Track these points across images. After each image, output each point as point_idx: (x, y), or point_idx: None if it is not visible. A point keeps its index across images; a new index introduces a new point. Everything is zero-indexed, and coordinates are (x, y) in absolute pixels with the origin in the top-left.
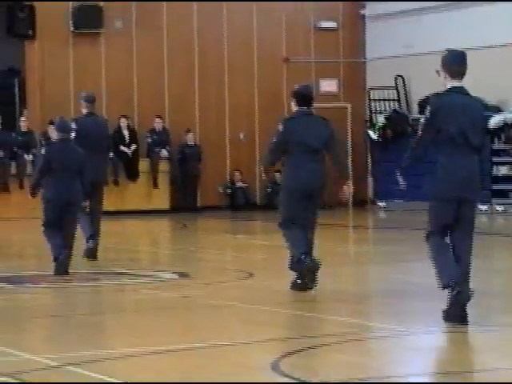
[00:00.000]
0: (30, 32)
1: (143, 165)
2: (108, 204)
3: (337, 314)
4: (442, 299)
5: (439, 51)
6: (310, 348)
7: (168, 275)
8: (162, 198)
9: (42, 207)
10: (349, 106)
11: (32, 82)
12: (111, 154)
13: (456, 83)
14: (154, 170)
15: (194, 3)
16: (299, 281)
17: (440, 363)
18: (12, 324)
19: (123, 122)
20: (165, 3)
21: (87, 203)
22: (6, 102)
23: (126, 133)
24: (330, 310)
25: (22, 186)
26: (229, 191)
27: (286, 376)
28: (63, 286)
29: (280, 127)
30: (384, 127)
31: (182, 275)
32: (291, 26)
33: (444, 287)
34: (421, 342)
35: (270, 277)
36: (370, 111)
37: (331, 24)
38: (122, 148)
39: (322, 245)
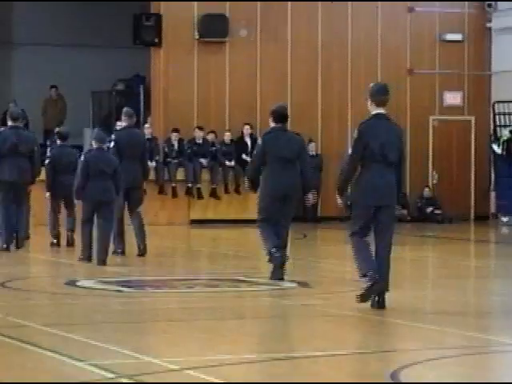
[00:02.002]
0: (156, 40)
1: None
2: (230, 212)
3: (457, 327)
4: None
5: None
6: (430, 360)
7: (287, 284)
8: None
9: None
10: (473, 118)
11: (156, 90)
12: (150, 163)
13: (380, 110)
14: None
15: (319, 14)
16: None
17: None
18: (133, 327)
19: (246, 130)
20: (289, 15)
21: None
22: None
23: (248, 141)
24: (450, 323)
25: (145, 192)
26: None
27: None
28: (184, 291)
29: (259, 141)
30: (508, 141)
31: (302, 284)
32: (416, 37)
33: (363, 276)
34: None
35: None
36: (495, 125)
37: (456, 36)
38: (244, 157)
39: (443, 258)
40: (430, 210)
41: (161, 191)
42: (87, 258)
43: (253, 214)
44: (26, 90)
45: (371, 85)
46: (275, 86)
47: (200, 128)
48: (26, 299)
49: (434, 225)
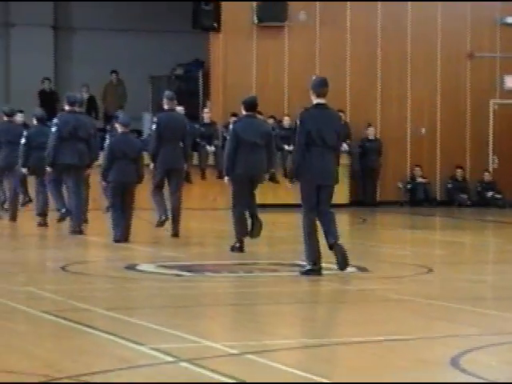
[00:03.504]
0: (215, 24)
1: None
2: (288, 197)
3: None
4: None
5: None
6: (491, 346)
7: (346, 269)
8: (341, 192)
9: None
10: None
11: (215, 74)
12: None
13: (320, 100)
14: None
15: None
16: (238, 245)
17: None
18: (193, 311)
19: None
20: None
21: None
22: (191, 93)
23: None
24: (510, 308)
25: (203, 177)
26: (409, 186)
27: (467, 373)
28: (242, 275)
29: (231, 127)
30: None
31: (361, 269)
32: (476, 20)
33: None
34: None
35: (449, 272)
36: None
37: None
38: None
39: (503, 243)
40: (490, 194)
41: (220, 176)
42: (116, 238)
43: None
44: (86, 75)
45: (313, 78)
46: (334, 70)
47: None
48: (87, 283)
49: (494, 209)
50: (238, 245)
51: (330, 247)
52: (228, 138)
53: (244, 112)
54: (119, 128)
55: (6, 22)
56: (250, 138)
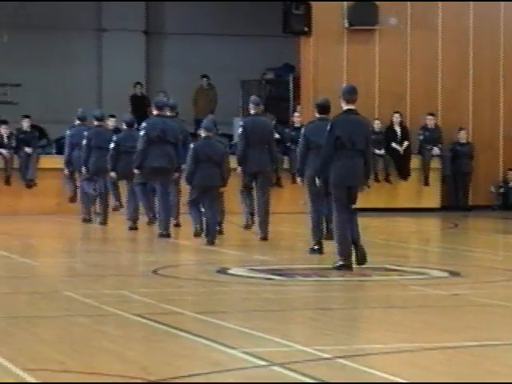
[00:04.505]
0: (306, 29)
1: (415, 162)
2: (379, 201)
3: None
4: None
5: None
6: None
7: (438, 273)
8: (432, 196)
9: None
10: None
11: (306, 78)
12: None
13: (349, 106)
14: (425, 168)
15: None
16: (316, 247)
17: None
18: (284, 315)
19: (396, 118)
20: (439, 2)
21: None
22: (281, 97)
23: (397, 129)
24: None
25: (294, 181)
26: (501, 190)
27: None
28: (334, 280)
29: (302, 130)
30: None
31: (452, 274)
32: None
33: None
34: None
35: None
36: None
37: None
38: (394, 145)
39: None
40: None
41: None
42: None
43: (402, 202)
44: (177, 79)
45: (343, 85)
46: (425, 73)
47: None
48: (179, 287)
49: None
50: (316, 247)
51: (354, 243)
52: (299, 140)
53: (317, 115)
54: (203, 133)
55: (99, 27)
56: (319, 140)
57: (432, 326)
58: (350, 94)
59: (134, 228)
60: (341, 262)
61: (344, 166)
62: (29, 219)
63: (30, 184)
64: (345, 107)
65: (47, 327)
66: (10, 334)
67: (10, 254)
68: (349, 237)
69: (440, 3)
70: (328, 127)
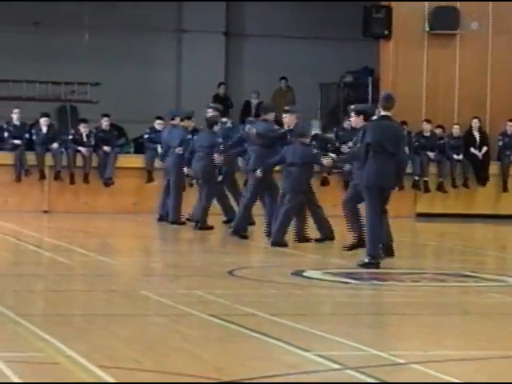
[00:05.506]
0: (386, 32)
1: (493, 168)
2: (457, 206)
3: None
4: None
5: None
6: None
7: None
8: (511, 203)
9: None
10: None
11: (385, 82)
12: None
13: (385, 113)
14: (504, 174)
15: None
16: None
17: None
18: (359, 319)
19: (475, 123)
20: None
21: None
22: (360, 100)
23: (476, 135)
24: None
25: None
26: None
27: None
28: (409, 285)
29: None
30: None
31: None
32: None
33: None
34: None
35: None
36: None
37: None
38: (473, 150)
39: None
40: None
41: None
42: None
43: (480, 208)
44: (256, 81)
45: (382, 93)
46: (506, 79)
47: (428, 121)
48: (254, 288)
49: None
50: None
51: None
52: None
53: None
54: (293, 138)
55: (179, 28)
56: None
57: (508, 333)
58: (387, 101)
59: (205, 228)
60: (367, 260)
61: (375, 169)
62: (106, 218)
63: (107, 182)
64: (381, 113)
65: (123, 325)
66: (86, 331)
67: (88, 252)
68: (380, 237)
69: None
70: (361, 132)
